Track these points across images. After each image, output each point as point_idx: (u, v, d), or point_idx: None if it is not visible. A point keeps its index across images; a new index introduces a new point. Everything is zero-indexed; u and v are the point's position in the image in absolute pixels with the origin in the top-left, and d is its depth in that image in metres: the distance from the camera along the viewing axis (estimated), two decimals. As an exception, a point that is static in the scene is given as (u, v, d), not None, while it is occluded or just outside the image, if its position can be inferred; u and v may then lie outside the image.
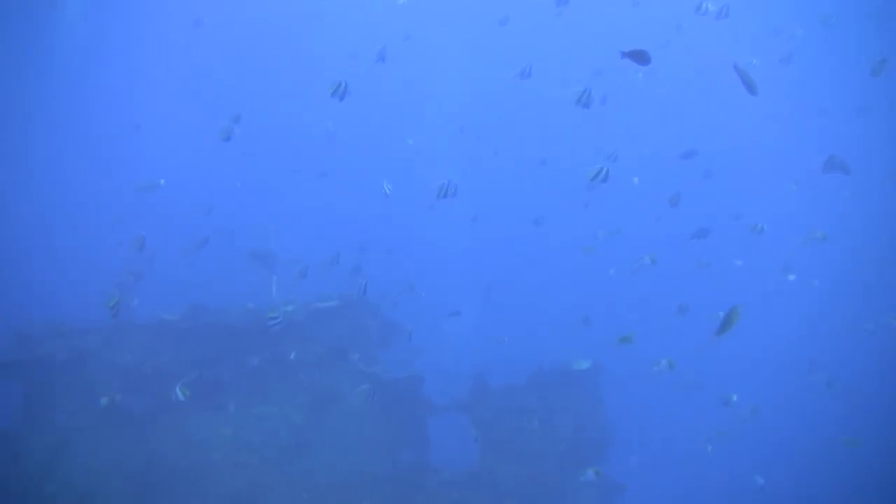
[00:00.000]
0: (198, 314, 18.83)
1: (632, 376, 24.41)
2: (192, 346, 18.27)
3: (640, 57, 11.12)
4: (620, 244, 28.05)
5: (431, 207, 35.03)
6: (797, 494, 25.51)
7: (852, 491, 24.53)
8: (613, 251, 29.93)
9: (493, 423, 19.70)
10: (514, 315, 32.27)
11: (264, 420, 18.37)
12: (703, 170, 29.37)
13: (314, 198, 37.53)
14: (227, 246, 24.27)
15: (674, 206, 19.74)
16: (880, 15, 29.96)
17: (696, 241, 21.01)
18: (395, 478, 18.79)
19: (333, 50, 37.28)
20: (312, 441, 18.51)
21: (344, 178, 36.29)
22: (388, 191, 16.27)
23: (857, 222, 33.08)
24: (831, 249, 26.20)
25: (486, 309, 30.44)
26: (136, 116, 32.77)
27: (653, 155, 34.48)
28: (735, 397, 21.32)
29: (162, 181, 23.22)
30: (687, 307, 21.65)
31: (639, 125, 39.13)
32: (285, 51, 42.06)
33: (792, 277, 29.00)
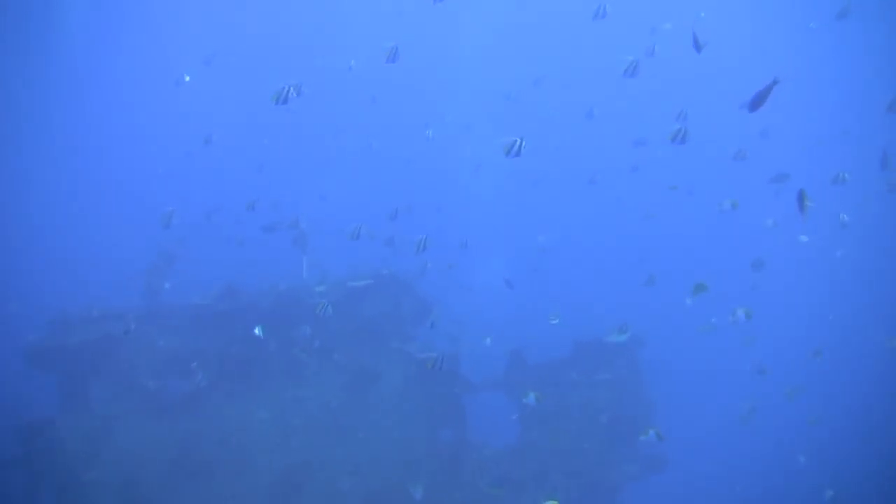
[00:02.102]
0: (230, 297, 18.59)
1: (681, 341, 23.83)
2: (226, 330, 18.05)
3: (697, 44, 10.94)
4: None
5: (478, 169, 34.66)
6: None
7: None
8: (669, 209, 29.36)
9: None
10: (560, 284, 31.94)
11: (302, 402, 18.17)
12: (760, 128, 28.31)
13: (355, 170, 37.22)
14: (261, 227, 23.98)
15: (741, 160, 18.82)
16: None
17: (776, 186, 20.16)
18: (435, 455, 18.56)
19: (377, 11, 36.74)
20: (351, 422, 18.28)
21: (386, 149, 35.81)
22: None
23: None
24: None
25: (532, 280, 30.07)
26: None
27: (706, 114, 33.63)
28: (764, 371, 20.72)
29: (213, 137, 22.92)
30: (762, 263, 20.86)
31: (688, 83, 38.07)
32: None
33: (805, 239, 28.04)
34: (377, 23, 37.40)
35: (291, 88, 11.98)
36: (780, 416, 24.84)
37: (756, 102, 10.41)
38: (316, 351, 18.37)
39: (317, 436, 17.99)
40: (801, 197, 10.85)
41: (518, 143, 11.68)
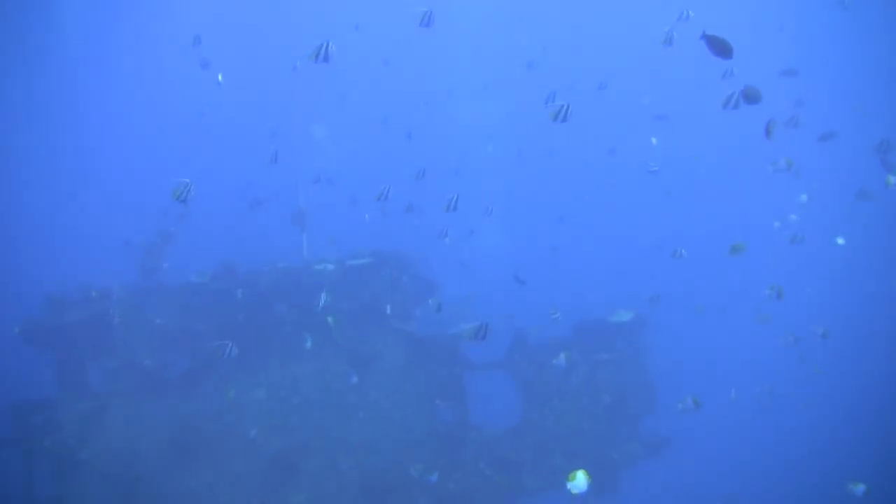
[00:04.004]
0: (228, 275, 18.44)
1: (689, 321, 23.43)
2: (224, 308, 17.92)
3: (721, 48, 10.04)
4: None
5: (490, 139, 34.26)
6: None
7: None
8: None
9: (534, 378, 19.13)
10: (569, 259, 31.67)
11: (300, 381, 18.06)
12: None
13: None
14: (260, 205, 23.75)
15: (793, 127, 17.95)
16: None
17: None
18: (435, 435, 18.43)
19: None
20: (350, 401, 18.17)
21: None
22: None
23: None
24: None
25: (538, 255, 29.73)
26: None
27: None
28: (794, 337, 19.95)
29: (220, 76, 22.32)
30: (802, 238, 19.99)
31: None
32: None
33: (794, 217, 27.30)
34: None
35: (330, 44, 11.54)
36: (788, 403, 24.44)
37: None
38: (326, 324, 18.19)
39: (315, 416, 17.91)
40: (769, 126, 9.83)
41: (565, 108, 11.49)
